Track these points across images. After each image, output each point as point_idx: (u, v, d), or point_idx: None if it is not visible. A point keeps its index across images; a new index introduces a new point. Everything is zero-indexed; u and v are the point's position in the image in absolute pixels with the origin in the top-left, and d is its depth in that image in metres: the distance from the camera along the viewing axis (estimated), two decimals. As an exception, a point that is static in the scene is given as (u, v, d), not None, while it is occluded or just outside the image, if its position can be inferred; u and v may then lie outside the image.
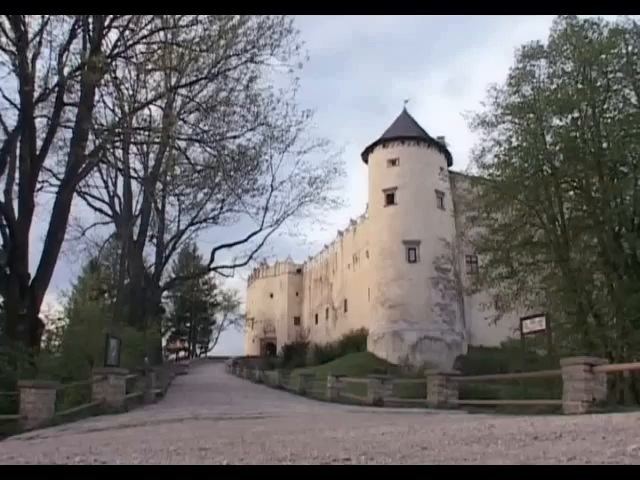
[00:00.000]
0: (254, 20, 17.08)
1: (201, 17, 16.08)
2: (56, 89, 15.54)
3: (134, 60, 17.38)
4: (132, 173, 25.39)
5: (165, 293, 43.21)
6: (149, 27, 16.44)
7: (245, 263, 29.22)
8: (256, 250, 28.45)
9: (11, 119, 15.79)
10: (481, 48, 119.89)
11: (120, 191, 26.34)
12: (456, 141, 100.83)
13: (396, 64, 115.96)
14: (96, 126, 18.34)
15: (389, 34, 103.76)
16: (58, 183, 17.91)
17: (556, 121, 18.09)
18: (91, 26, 15.94)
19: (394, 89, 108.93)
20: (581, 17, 17.60)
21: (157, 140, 19.02)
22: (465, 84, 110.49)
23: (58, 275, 17.19)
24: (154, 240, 30.50)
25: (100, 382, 11.05)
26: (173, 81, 18.84)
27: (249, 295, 65.94)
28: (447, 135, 57.05)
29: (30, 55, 14.97)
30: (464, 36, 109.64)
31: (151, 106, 20.44)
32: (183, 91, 19.68)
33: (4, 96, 15.18)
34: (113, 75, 17.39)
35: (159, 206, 29.16)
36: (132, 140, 19.62)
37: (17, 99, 15.12)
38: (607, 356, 12.80)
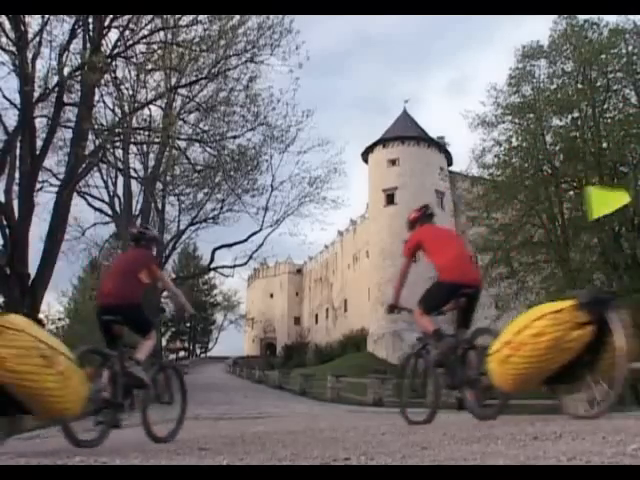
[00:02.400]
0: (254, 20, 17.09)
1: (201, 17, 16.09)
2: (56, 89, 15.54)
3: (134, 60, 17.38)
4: (132, 173, 25.33)
5: (165, 293, 43.11)
6: (149, 27, 16.44)
7: (245, 263, 29.14)
8: (256, 250, 28.36)
9: (11, 119, 15.80)
10: (482, 48, 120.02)
11: (120, 191, 26.28)
12: (456, 141, 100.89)
13: (397, 64, 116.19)
14: (96, 126, 18.32)
15: (389, 34, 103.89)
16: (58, 183, 17.90)
17: (556, 121, 18.13)
18: (91, 26, 15.93)
19: (395, 89, 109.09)
20: (581, 17, 17.63)
21: (157, 140, 19.00)
22: (467, 84, 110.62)
23: (58, 275, 17.22)
24: (154, 240, 30.44)
25: (100, 382, 11.03)
26: (173, 81, 18.81)
27: (249, 295, 65.96)
28: (447, 135, 57.20)
29: (30, 55, 14.96)
30: (465, 36, 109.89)
31: (151, 106, 20.42)
32: (183, 91, 19.66)
33: (4, 96, 15.19)
34: (113, 75, 17.38)
35: (159, 206, 29.10)
36: (132, 140, 19.61)
37: (17, 99, 15.12)
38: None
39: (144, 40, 16.92)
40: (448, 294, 4.34)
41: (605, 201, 3.74)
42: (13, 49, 14.56)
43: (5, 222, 14.71)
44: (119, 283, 4.34)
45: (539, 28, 57.71)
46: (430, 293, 4.50)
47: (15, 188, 15.23)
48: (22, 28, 14.41)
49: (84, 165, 17.11)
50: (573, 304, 3.32)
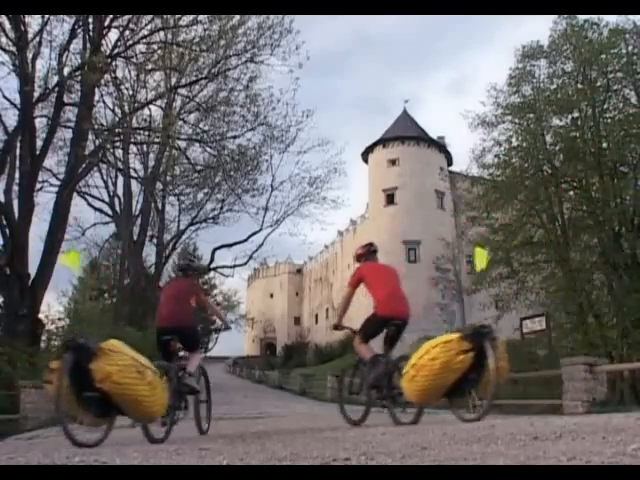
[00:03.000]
0: (254, 20, 17.13)
1: (201, 17, 16.12)
2: (56, 89, 15.54)
3: (134, 60, 17.40)
4: (132, 173, 25.38)
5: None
6: (149, 27, 16.48)
7: (245, 263, 29.19)
8: (256, 250, 28.40)
9: (11, 119, 15.81)
10: (482, 48, 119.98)
11: (120, 191, 26.32)
12: (456, 141, 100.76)
13: (397, 64, 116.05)
14: (96, 126, 18.33)
15: (389, 34, 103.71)
16: (58, 183, 17.90)
17: (556, 121, 18.07)
18: (91, 26, 15.94)
19: (395, 89, 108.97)
20: (581, 17, 17.57)
21: (157, 140, 19.03)
22: (467, 84, 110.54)
23: (58, 275, 17.24)
24: (154, 240, 30.48)
25: (100, 382, 11.03)
26: (173, 81, 18.84)
27: (249, 295, 65.89)
28: (447, 135, 57.17)
29: (30, 55, 14.98)
30: (465, 36, 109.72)
31: (151, 106, 20.48)
32: (183, 91, 19.71)
33: (4, 96, 15.21)
34: (113, 75, 17.41)
35: (159, 206, 29.11)
36: (132, 140, 19.64)
37: (17, 99, 15.14)
38: (607, 356, 12.79)
39: (144, 40, 16.95)
40: (381, 325, 5.38)
41: (483, 259, 4.80)
42: (13, 49, 14.57)
43: (5, 222, 14.71)
44: (174, 308, 5.22)
45: (539, 28, 57.53)
46: (367, 324, 5.52)
47: (15, 188, 15.24)
48: (22, 28, 14.42)
49: (84, 165, 17.13)
50: (459, 336, 4.32)
